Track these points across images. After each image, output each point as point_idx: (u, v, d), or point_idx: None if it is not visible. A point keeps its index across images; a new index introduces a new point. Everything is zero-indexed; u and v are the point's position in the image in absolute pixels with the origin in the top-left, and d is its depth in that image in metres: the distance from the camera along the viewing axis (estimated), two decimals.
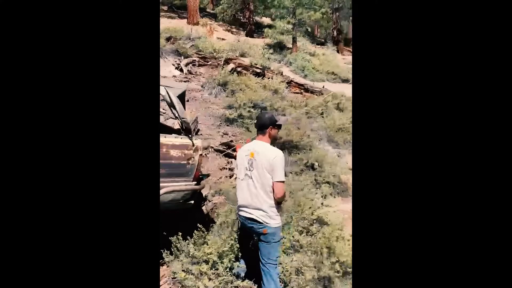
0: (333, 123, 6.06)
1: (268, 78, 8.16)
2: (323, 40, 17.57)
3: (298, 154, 4.74)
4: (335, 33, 15.68)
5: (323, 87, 8.87)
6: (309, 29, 19.15)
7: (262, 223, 1.79)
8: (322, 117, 6.67)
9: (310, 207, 3.04)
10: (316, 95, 8.41)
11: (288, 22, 11.74)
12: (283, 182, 1.80)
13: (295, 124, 5.83)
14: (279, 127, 1.96)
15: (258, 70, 8.85)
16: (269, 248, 1.82)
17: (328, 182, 4.18)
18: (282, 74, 9.03)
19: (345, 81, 10.95)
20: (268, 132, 1.89)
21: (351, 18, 16.58)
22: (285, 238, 2.47)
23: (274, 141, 2.00)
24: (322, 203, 3.44)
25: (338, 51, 14.87)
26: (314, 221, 2.89)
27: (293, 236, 2.63)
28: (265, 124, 1.89)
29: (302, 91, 8.82)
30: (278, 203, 1.85)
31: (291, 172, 4.51)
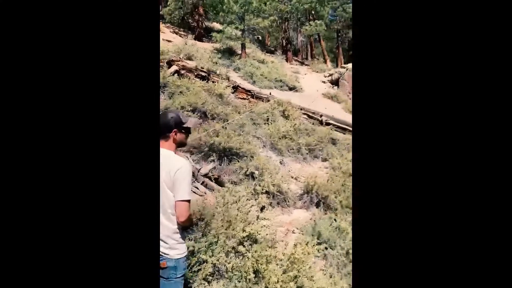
0: (277, 130, 5.90)
1: (213, 82, 7.79)
2: (273, 49, 17.84)
3: (238, 161, 4.42)
4: (284, 42, 16.01)
5: (270, 93, 8.78)
6: (260, 38, 19.35)
7: (160, 254, 1.39)
8: (267, 123, 6.50)
9: (242, 222, 2.71)
10: (263, 101, 8.28)
11: (237, 28, 11.57)
12: (188, 201, 1.42)
13: (238, 130, 5.53)
14: (187, 130, 1.57)
15: (204, 74, 8.44)
16: (169, 286, 1.41)
17: (267, 192, 3.91)
18: (228, 79, 8.74)
19: (292, 89, 11.09)
20: (172, 137, 1.50)
21: (299, 29, 17.13)
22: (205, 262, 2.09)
23: (180, 148, 1.60)
24: (257, 217, 3.13)
25: (286, 60, 15.16)
26: (245, 238, 2.55)
27: (218, 260, 2.26)
28: (168, 126, 1.49)
29: (249, 97, 8.62)
30: (183, 228, 1.46)
31: (229, 182, 4.16)
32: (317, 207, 3.95)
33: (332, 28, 18.41)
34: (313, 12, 15.59)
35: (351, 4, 15.63)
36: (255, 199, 3.65)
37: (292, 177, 4.91)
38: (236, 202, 3.18)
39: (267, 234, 2.70)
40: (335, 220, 3.32)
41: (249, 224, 2.73)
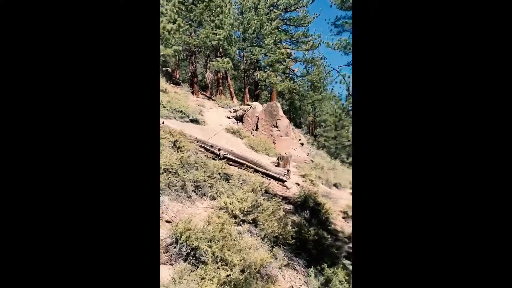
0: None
1: None
2: (180, 81, 17.19)
3: None
4: (191, 75, 15.60)
5: (163, 122, 7.82)
6: (169, 70, 18.58)
7: None
8: None
9: None
10: None
11: None
12: None
13: None
14: None
15: None
16: None
17: None
18: None
19: (193, 121, 10.40)
20: None
21: (208, 65, 17.12)
22: None
23: None
24: None
25: (193, 93, 14.62)
26: None
27: None
28: None
29: None
30: None
31: None
32: (185, 261, 3.03)
33: (241, 68, 19.12)
34: (221, 49, 15.86)
35: (257, 47, 16.61)
36: None
37: (166, 221, 3.91)
38: None
39: None
40: (198, 282, 2.46)
41: None
